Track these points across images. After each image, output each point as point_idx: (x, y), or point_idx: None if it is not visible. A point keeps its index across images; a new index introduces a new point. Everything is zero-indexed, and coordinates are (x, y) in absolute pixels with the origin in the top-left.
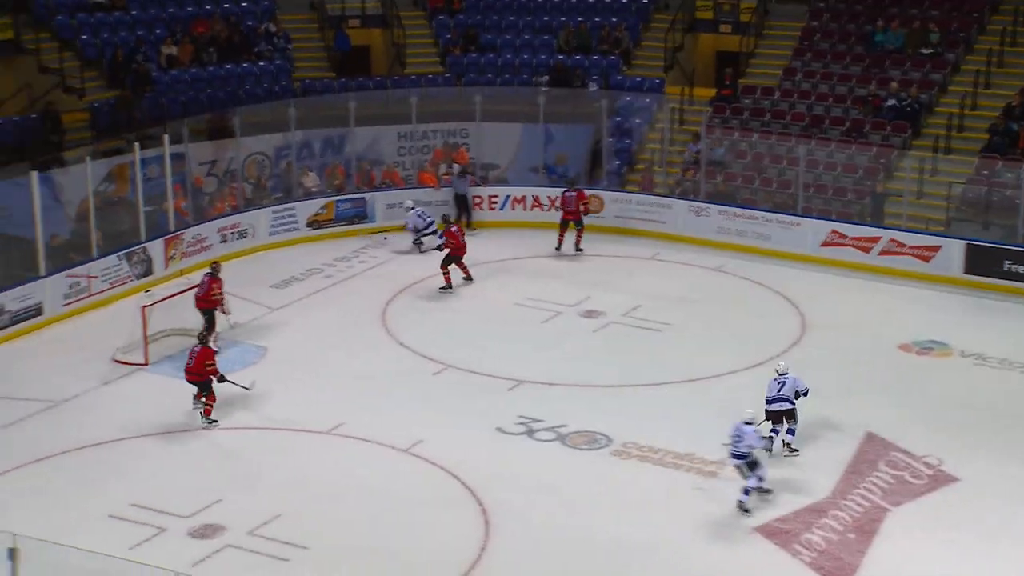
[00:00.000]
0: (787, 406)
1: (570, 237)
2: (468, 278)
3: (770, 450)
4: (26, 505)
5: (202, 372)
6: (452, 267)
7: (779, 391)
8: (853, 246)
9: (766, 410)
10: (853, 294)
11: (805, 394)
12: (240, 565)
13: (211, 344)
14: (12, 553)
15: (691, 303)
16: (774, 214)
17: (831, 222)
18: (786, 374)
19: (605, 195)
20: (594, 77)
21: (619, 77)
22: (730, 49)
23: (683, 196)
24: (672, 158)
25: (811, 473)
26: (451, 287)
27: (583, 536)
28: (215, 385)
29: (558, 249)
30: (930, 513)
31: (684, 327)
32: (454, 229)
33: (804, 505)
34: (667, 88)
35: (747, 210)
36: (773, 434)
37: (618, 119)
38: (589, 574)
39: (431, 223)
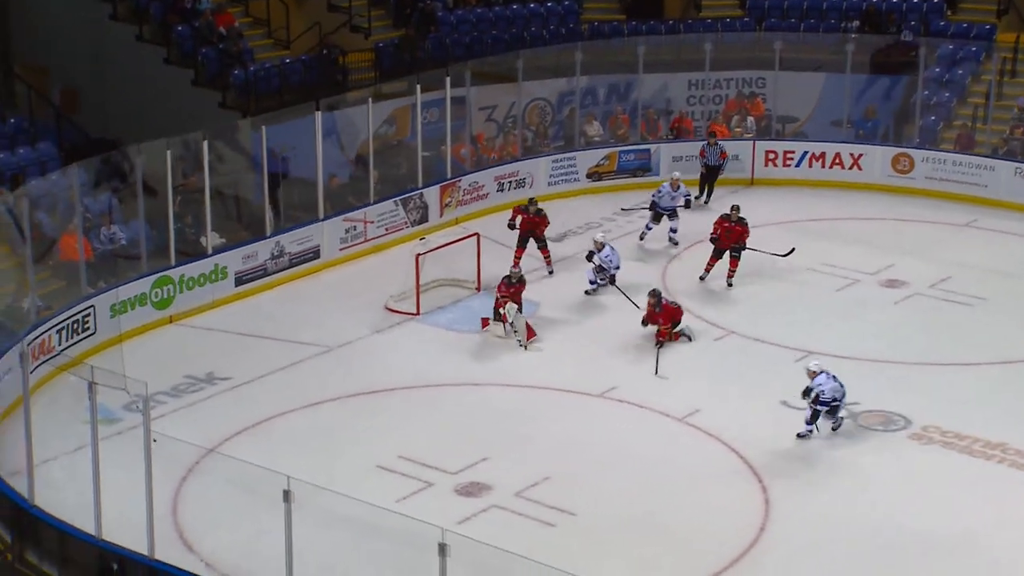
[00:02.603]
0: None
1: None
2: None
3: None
4: (298, 450)
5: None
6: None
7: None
8: None
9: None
10: None
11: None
12: (505, 526)
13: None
14: (286, 495)
15: (1011, 277)
16: None
17: None
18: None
19: (916, 153)
20: (911, 23)
21: (942, 23)
22: None
23: (1008, 157)
24: (998, 115)
25: None
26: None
27: (872, 525)
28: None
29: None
30: None
31: (1001, 303)
32: (659, 310)
33: None
34: (999, 35)
35: None
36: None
37: (937, 70)
38: (877, 569)
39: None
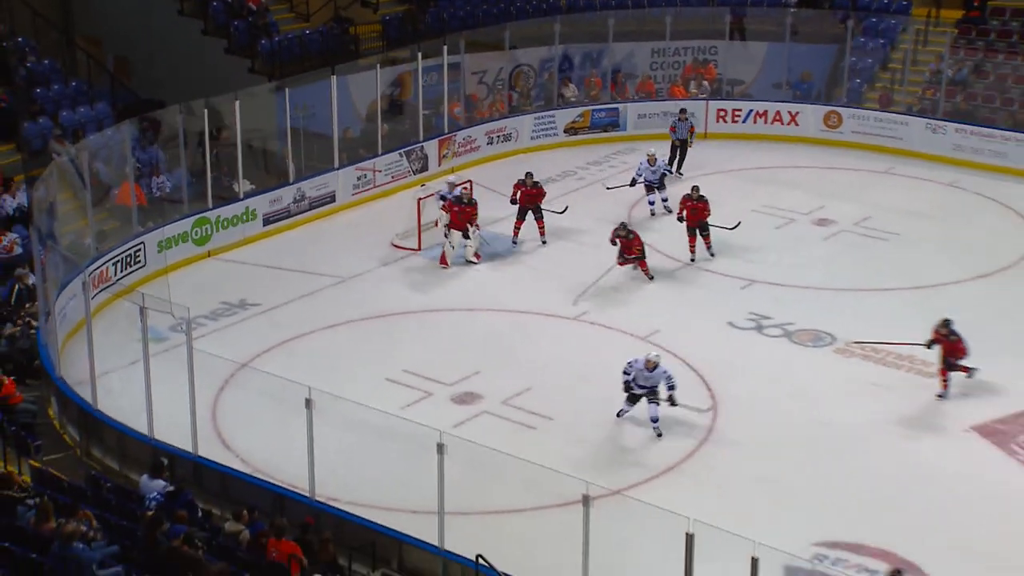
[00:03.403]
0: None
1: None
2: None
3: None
4: (318, 364)
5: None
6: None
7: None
8: None
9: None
10: None
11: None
12: (494, 429)
13: (451, 246)
14: (308, 403)
15: (922, 216)
16: (1013, 133)
17: None
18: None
19: (844, 111)
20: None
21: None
22: None
23: (921, 114)
24: (913, 78)
25: None
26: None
27: (802, 422)
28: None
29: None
30: None
31: (913, 238)
32: (631, 238)
33: (1022, 409)
34: (913, 10)
35: (985, 128)
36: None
37: (862, 40)
38: (805, 457)
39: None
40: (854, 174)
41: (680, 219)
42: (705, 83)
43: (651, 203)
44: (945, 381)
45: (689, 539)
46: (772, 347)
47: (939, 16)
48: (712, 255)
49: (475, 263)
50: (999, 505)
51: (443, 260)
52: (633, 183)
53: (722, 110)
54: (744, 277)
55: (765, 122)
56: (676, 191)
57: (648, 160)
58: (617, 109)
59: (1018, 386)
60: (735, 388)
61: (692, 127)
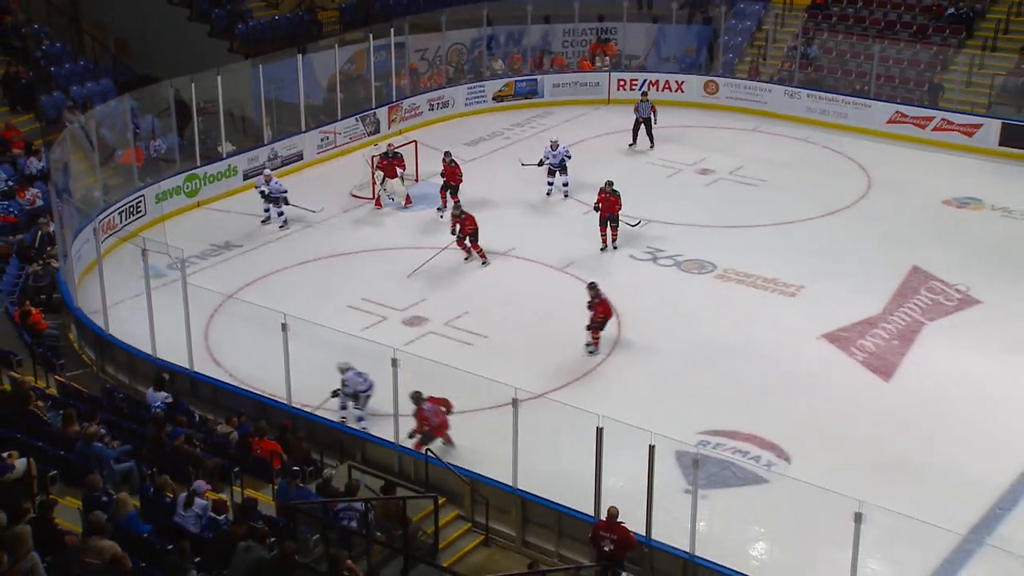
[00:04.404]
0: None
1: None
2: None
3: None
4: (291, 295)
5: None
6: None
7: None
8: (912, 123)
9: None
10: (909, 162)
11: None
12: (438, 347)
13: (384, 191)
14: (283, 327)
15: (783, 166)
16: (851, 97)
17: (896, 104)
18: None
19: (720, 80)
20: None
21: None
22: None
23: (780, 83)
24: (774, 53)
25: (867, 295)
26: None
27: (689, 335)
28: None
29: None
30: (958, 327)
31: (777, 184)
32: (603, 298)
33: (860, 319)
34: None
35: (830, 94)
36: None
37: (733, 22)
38: (691, 363)
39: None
40: (729, 132)
41: (596, 208)
42: (607, 58)
43: (549, 184)
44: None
45: (599, 432)
46: (665, 274)
47: (793, 3)
48: (615, 247)
49: (407, 207)
50: (843, 395)
51: (378, 203)
52: (540, 164)
53: (621, 80)
54: (641, 217)
55: (657, 90)
56: (647, 163)
57: (551, 145)
58: (536, 80)
59: (856, 300)
60: (636, 308)
61: (653, 107)
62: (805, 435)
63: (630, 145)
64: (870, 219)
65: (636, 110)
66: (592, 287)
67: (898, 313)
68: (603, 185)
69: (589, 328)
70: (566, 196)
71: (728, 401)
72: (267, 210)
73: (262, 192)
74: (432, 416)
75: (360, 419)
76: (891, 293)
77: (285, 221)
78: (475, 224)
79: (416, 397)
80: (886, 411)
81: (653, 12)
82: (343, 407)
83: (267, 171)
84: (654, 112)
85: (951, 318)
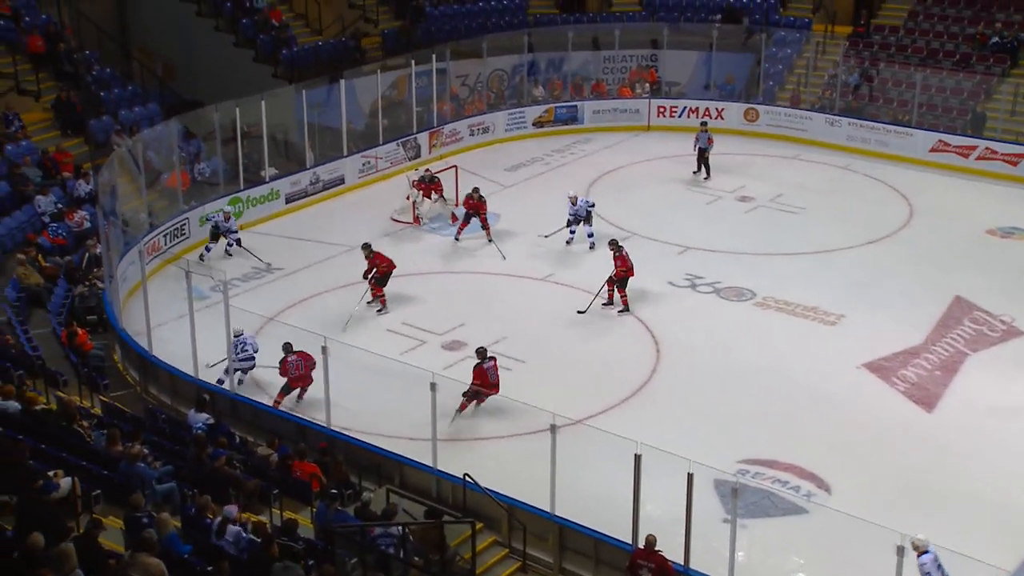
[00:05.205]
0: None
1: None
2: (620, 306)
3: None
4: (331, 318)
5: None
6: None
7: None
8: (955, 152)
9: None
10: (952, 191)
11: None
12: None
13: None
14: (324, 350)
15: (823, 193)
16: (893, 126)
17: (938, 133)
18: None
19: (760, 108)
20: (756, 17)
21: (776, 16)
22: None
23: (821, 110)
24: (814, 81)
25: (909, 325)
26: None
27: (728, 362)
28: None
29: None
30: (1003, 358)
31: (816, 211)
32: (624, 253)
33: (902, 349)
34: (814, 26)
35: (871, 122)
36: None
37: (773, 49)
38: (730, 391)
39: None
40: (769, 159)
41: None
42: (648, 85)
43: (571, 233)
44: (610, 292)
45: (637, 459)
46: (704, 301)
47: (834, 31)
48: (491, 241)
49: (453, 225)
50: (885, 426)
51: (416, 220)
52: (568, 225)
53: (661, 107)
54: (681, 244)
55: (697, 116)
56: (687, 190)
57: (571, 201)
58: (576, 106)
59: (898, 330)
60: (675, 335)
61: (710, 138)
62: (845, 465)
63: (694, 173)
64: (912, 248)
65: (696, 140)
66: (613, 243)
67: (941, 343)
68: (470, 192)
69: (608, 282)
70: (592, 247)
71: (767, 430)
72: (208, 248)
73: (215, 225)
74: (293, 368)
75: (240, 381)
76: (934, 323)
77: (229, 248)
78: (390, 266)
79: (287, 348)
80: (928, 442)
81: (694, 39)
82: (228, 371)
83: (227, 209)
84: (710, 144)
85: (995, 349)
